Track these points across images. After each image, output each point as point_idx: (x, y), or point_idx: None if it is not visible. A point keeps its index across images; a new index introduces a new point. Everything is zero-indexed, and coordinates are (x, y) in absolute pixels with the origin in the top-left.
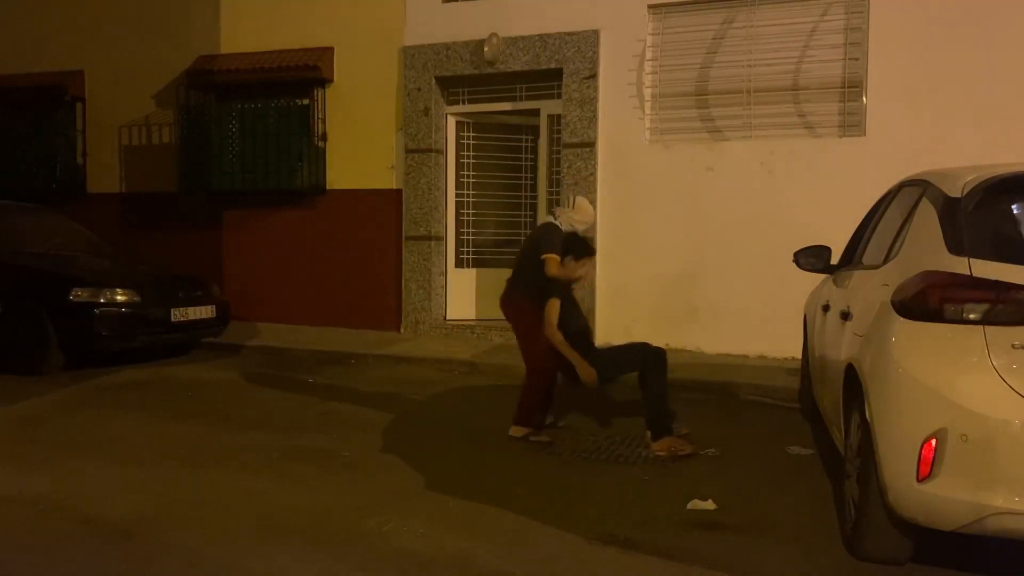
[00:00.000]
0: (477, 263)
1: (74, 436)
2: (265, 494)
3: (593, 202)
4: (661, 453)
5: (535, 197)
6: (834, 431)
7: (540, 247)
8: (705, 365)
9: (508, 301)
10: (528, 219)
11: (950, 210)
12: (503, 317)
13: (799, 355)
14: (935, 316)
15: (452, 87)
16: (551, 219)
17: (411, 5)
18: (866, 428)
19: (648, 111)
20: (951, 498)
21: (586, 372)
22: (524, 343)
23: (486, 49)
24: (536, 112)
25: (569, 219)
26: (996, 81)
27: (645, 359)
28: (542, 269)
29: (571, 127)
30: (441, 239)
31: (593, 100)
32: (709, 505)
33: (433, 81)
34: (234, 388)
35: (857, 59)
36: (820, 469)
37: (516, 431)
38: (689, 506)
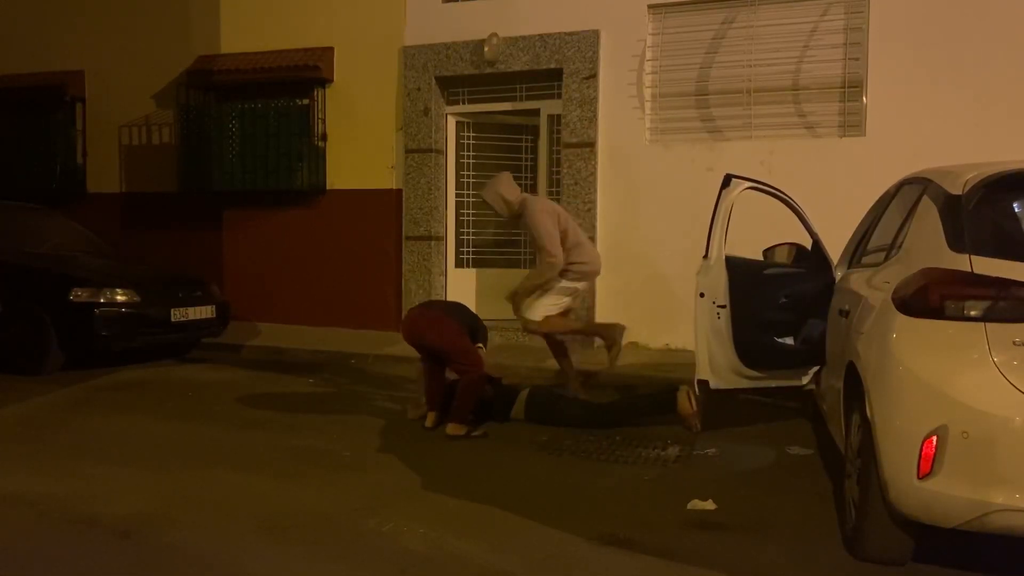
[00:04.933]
0: (477, 263)
1: (74, 436)
2: (265, 494)
3: (593, 202)
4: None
5: None
6: (834, 430)
7: (477, 333)
8: None
9: (426, 318)
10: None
11: (951, 207)
12: (420, 336)
13: None
14: (936, 313)
15: (452, 87)
16: None
17: (411, 5)
18: (867, 426)
19: (648, 111)
20: (952, 495)
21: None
22: (454, 351)
23: (486, 49)
24: (536, 112)
25: None
26: (996, 80)
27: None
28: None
29: (571, 127)
30: (441, 239)
31: (593, 100)
32: (709, 505)
33: (433, 81)
34: (234, 388)
35: (857, 59)
36: (820, 469)
37: (455, 429)
38: (689, 506)
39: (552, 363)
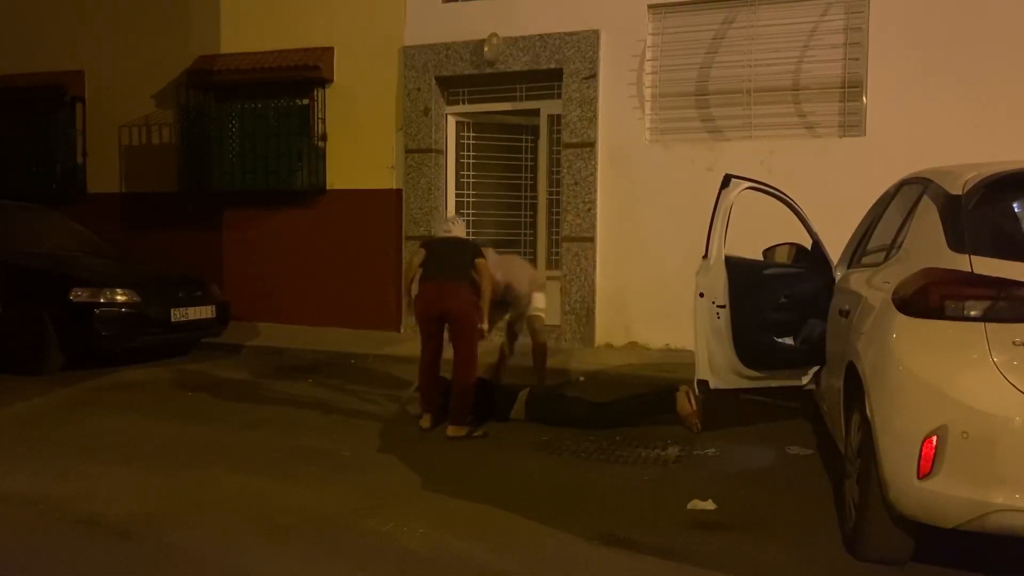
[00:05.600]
0: None
1: (74, 436)
2: (265, 494)
3: (593, 202)
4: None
5: (535, 197)
6: (834, 431)
7: (475, 252)
8: None
9: (448, 289)
10: (528, 219)
11: (951, 207)
12: (444, 303)
13: None
14: (936, 313)
15: (452, 87)
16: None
17: (411, 5)
18: (867, 426)
19: (648, 111)
20: (952, 495)
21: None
22: (468, 342)
23: (486, 49)
24: (536, 112)
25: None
26: (996, 80)
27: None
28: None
29: (571, 127)
30: None
31: (593, 100)
32: (709, 505)
33: (433, 81)
34: (234, 388)
35: (857, 59)
36: (820, 469)
37: (456, 431)
38: (689, 506)
39: (552, 362)
